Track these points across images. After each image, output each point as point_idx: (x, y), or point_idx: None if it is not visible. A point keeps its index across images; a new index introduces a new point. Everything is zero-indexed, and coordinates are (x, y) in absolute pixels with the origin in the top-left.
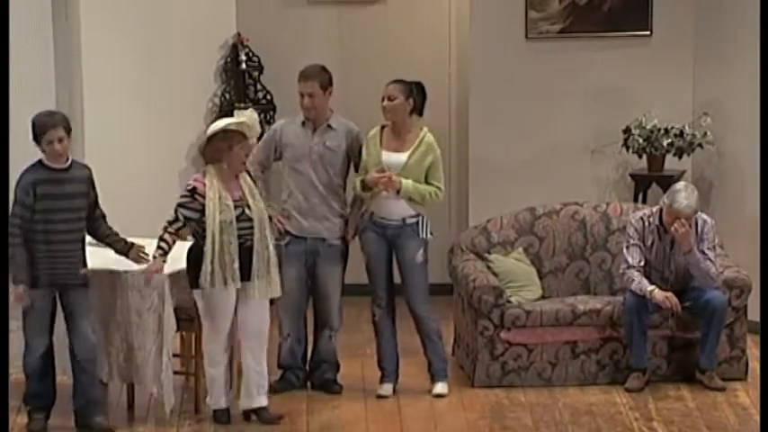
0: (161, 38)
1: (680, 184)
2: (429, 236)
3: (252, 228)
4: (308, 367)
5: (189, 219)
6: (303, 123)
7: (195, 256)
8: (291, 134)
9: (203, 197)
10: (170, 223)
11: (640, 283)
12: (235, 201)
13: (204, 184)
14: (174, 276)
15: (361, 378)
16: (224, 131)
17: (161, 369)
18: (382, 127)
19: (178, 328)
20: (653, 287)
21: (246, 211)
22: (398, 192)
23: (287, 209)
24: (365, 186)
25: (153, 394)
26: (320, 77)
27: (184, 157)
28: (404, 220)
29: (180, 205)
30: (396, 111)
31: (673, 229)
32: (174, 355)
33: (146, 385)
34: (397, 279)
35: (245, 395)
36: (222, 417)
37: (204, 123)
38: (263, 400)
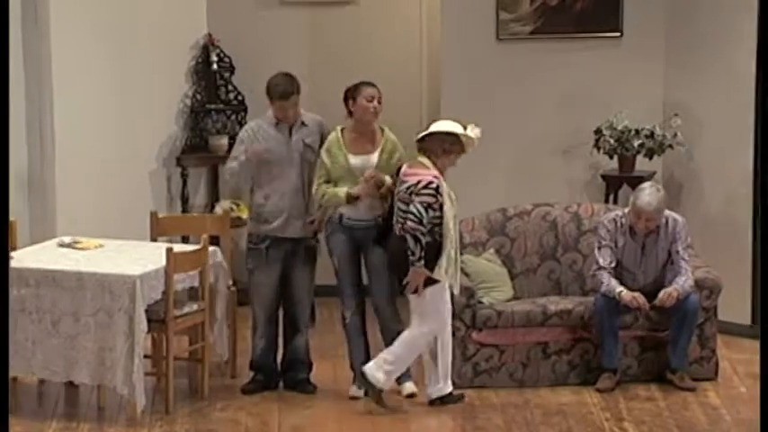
0: (131, 38)
1: (646, 184)
2: None
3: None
4: (280, 368)
5: (431, 219)
6: (276, 124)
7: (430, 252)
8: (268, 137)
9: (441, 194)
10: (424, 228)
11: (609, 285)
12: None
13: (439, 178)
14: (145, 277)
15: (334, 379)
16: (447, 133)
17: (132, 370)
18: (342, 128)
19: (149, 330)
20: (621, 288)
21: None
22: (381, 190)
23: (263, 213)
24: (349, 199)
25: (124, 395)
26: (297, 89)
27: (155, 158)
28: (375, 219)
29: (429, 206)
30: (379, 112)
31: (660, 301)
32: (145, 357)
33: (116, 386)
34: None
35: (434, 383)
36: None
37: (175, 124)
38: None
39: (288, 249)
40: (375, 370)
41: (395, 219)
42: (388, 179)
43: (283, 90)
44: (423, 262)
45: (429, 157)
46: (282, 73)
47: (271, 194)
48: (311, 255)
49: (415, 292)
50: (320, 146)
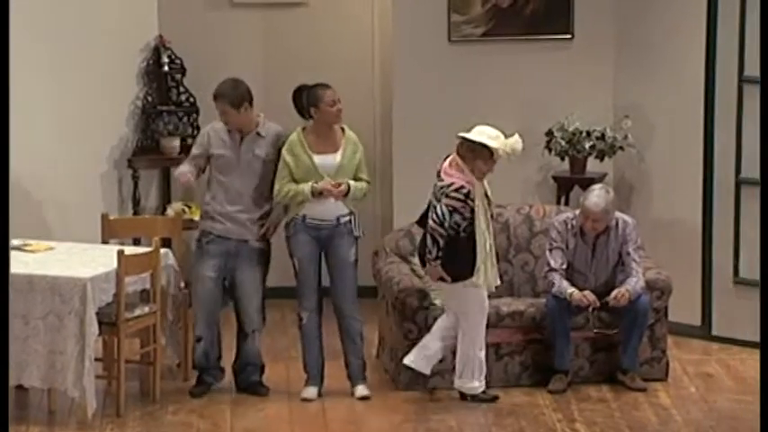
0: (82, 40)
1: (596, 186)
2: (361, 234)
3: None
4: (233, 370)
5: (457, 224)
6: (230, 131)
7: (459, 252)
8: (220, 142)
9: (473, 200)
10: (445, 229)
11: (560, 286)
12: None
13: (472, 186)
14: (95, 280)
15: (286, 381)
16: (473, 142)
17: (83, 373)
18: (303, 128)
19: (100, 332)
20: (572, 289)
21: (490, 207)
22: (346, 195)
23: (209, 211)
24: (314, 193)
25: (74, 398)
26: (230, 97)
27: (105, 160)
28: (338, 219)
29: (455, 210)
30: (341, 113)
31: (612, 301)
32: (96, 359)
33: (67, 389)
34: (325, 282)
35: (458, 376)
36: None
37: (126, 126)
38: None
39: (230, 250)
40: (464, 383)
41: (429, 212)
42: (352, 183)
43: (216, 89)
44: (439, 261)
45: (464, 161)
46: (231, 78)
47: (216, 195)
48: (259, 258)
49: (441, 279)
50: (274, 159)
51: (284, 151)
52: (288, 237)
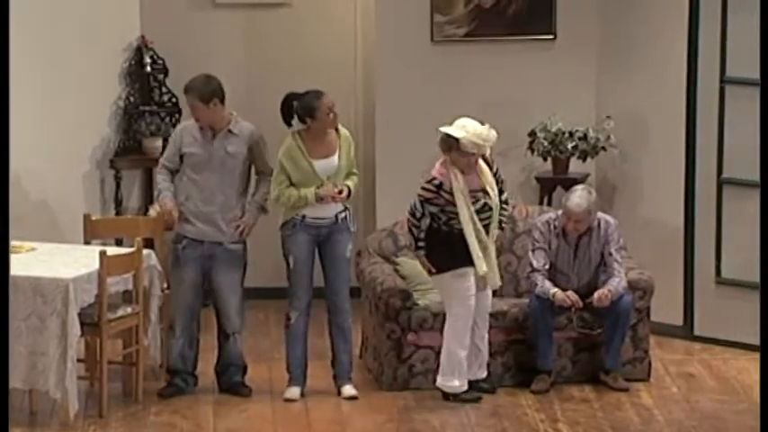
0: (64, 41)
1: (578, 186)
2: (355, 228)
3: (491, 217)
4: (215, 371)
5: (431, 213)
6: (202, 128)
7: (441, 243)
8: (191, 140)
9: (450, 192)
10: (419, 220)
11: (543, 286)
12: (474, 191)
13: (446, 177)
14: (78, 280)
15: (269, 382)
16: (444, 135)
17: (65, 374)
18: (298, 133)
19: (82, 333)
20: (555, 290)
21: (487, 200)
22: (347, 197)
23: (182, 212)
24: (318, 200)
25: (56, 399)
26: (199, 91)
27: (87, 160)
28: (336, 216)
29: (426, 201)
30: (338, 118)
31: (595, 301)
32: (79, 360)
33: (49, 390)
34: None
35: (441, 374)
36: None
37: (108, 126)
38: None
39: (205, 252)
40: (445, 381)
41: None
42: (350, 184)
43: (187, 85)
44: (421, 252)
45: (445, 156)
46: (204, 74)
47: (190, 196)
48: (236, 260)
49: (430, 273)
50: (253, 152)
51: (281, 156)
52: (286, 236)
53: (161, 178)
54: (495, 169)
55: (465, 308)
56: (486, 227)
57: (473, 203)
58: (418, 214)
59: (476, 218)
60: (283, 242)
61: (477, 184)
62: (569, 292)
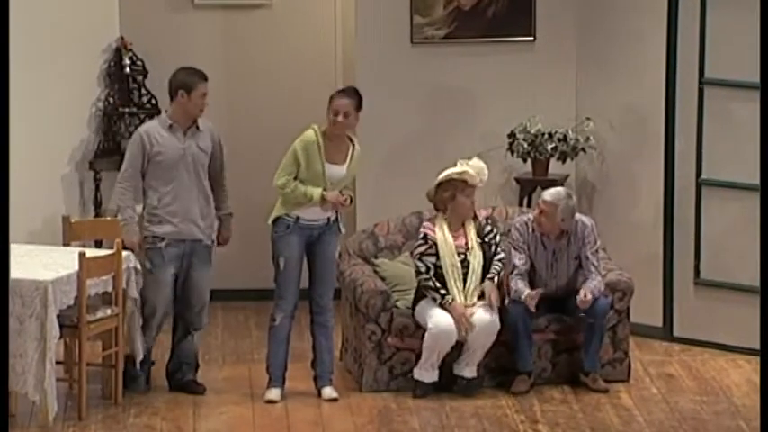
0: (43, 42)
1: (561, 188)
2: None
3: (468, 274)
4: (167, 369)
5: (434, 264)
6: (170, 126)
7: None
8: (160, 139)
9: (435, 243)
10: (427, 273)
11: (518, 289)
12: (458, 247)
13: (434, 231)
14: (57, 282)
15: (249, 383)
16: (446, 181)
17: (44, 376)
18: (323, 132)
19: (61, 335)
20: (526, 291)
21: (468, 257)
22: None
23: (158, 214)
24: (321, 201)
25: (35, 402)
26: (169, 86)
27: (67, 162)
28: (328, 218)
29: (423, 254)
30: (348, 126)
31: (579, 304)
32: (58, 362)
33: (28, 393)
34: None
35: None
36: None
37: (88, 128)
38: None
39: (185, 250)
40: (460, 370)
41: None
42: (350, 194)
43: (203, 74)
44: (450, 298)
45: (445, 209)
46: (185, 67)
47: (163, 197)
48: (210, 257)
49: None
50: (214, 151)
51: (299, 147)
52: (277, 236)
53: (127, 197)
54: (491, 230)
55: (434, 340)
56: (464, 277)
57: (457, 255)
58: (423, 269)
59: (457, 263)
60: (274, 242)
61: (462, 243)
62: (532, 294)
